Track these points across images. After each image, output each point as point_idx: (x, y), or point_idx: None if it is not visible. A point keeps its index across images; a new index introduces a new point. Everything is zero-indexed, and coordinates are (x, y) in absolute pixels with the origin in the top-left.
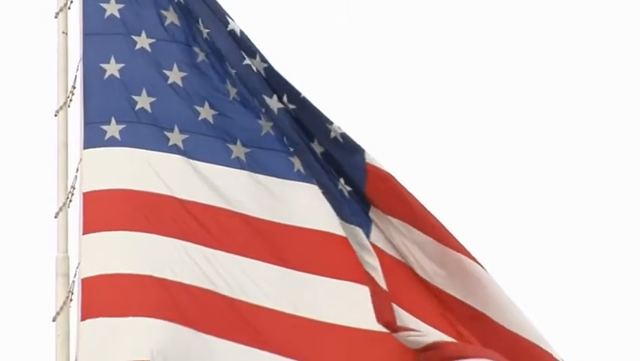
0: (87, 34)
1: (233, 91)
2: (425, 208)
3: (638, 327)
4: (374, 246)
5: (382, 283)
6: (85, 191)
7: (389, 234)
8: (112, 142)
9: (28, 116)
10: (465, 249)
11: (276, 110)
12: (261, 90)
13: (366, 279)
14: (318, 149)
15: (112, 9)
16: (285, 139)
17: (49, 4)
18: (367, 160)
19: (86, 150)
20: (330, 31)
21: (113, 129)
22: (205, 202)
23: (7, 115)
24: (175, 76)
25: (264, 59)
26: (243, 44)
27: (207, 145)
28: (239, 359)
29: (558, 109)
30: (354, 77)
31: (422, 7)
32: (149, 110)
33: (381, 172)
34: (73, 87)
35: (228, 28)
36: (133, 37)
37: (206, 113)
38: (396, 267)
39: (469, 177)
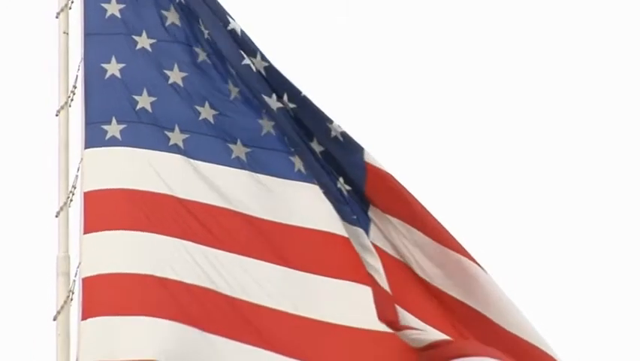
0: (88, 34)
1: (235, 90)
2: (425, 208)
3: (637, 327)
4: (373, 245)
5: (385, 285)
6: (86, 191)
7: (388, 233)
8: (113, 142)
9: (29, 116)
10: (464, 250)
11: (275, 109)
12: (261, 90)
13: (368, 279)
14: (317, 148)
15: (113, 9)
16: (285, 139)
17: (50, 4)
18: (367, 159)
19: (87, 150)
20: (330, 31)
21: (113, 129)
22: (206, 202)
23: (8, 115)
24: (176, 76)
25: (264, 58)
26: (244, 44)
27: (208, 145)
28: (242, 357)
29: (558, 109)
30: (354, 76)
31: (422, 7)
32: (149, 110)
33: (380, 171)
34: (74, 87)
35: (229, 28)
36: (134, 37)
37: (206, 113)
38: (395, 266)
39: (468, 177)
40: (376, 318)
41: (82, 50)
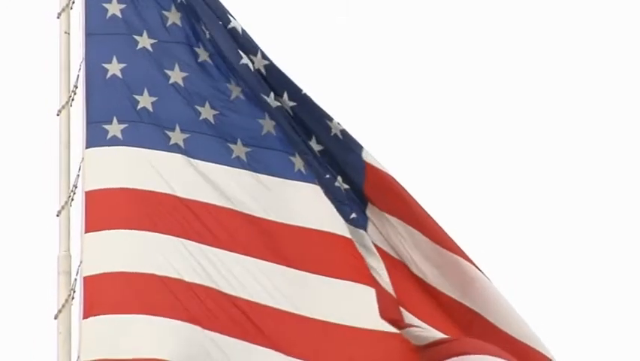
0: (89, 34)
1: (236, 90)
2: (423, 209)
3: (634, 328)
4: (374, 245)
5: (389, 287)
6: (87, 190)
7: (385, 232)
8: (114, 141)
9: (30, 116)
10: (462, 251)
11: (273, 108)
12: (259, 89)
13: (370, 280)
14: (316, 147)
15: (114, 9)
16: (286, 139)
17: (51, 4)
18: (365, 158)
19: (88, 149)
20: (330, 31)
21: (114, 129)
22: (206, 201)
23: (9, 114)
24: (176, 76)
25: (265, 57)
26: (245, 42)
27: (208, 144)
28: (244, 356)
29: (558, 109)
30: (354, 76)
31: (422, 7)
32: (150, 109)
33: (379, 171)
34: (75, 87)
35: (229, 26)
36: (135, 37)
37: (207, 112)
38: (393, 266)
39: (467, 177)
40: (378, 318)
41: (83, 49)
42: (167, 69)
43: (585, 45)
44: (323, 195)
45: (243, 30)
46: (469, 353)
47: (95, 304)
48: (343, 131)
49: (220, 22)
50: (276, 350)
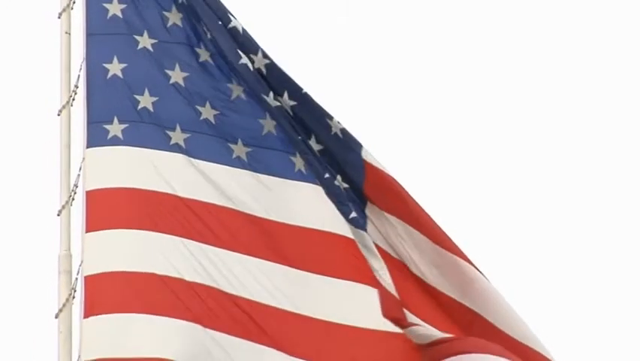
0: (90, 35)
1: (237, 90)
2: (422, 208)
3: (634, 328)
4: (375, 245)
5: (391, 287)
6: (88, 189)
7: (385, 232)
8: (114, 141)
9: (31, 116)
10: (461, 251)
11: (273, 108)
12: (259, 89)
13: (371, 279)
14: (315, 147)
15: (114, 9)
16: (286, 139)
17: (52, 4)
18: (365, 157)
19: (89, 149)
20: (330, 31)
21: (115, 129)
22: (207, 201)
23: (10, 114)
24: (177, 76)
25: (266, 56)
26: (245, 41)
27: (208, 144)
28: (246, 354)
29: (558, 109)
30: (354, 77)
31: (422, 7)
32: (151, 109)
33: (378, 169)
34: (76, 86)
35: (230, 26)
36: (135, 37)
37: (207, 112)
38: (394, 265)
39: (467, 177)
40: (380, 318)
41: (84, 50)
42: (167, 69)
43: (585, 45)
44: (324, 195)
45: (243, 29)
46: (472, 352)
47: (95, 304)
48: (343, 130)
49: (221, 22)
50: (279, 349)
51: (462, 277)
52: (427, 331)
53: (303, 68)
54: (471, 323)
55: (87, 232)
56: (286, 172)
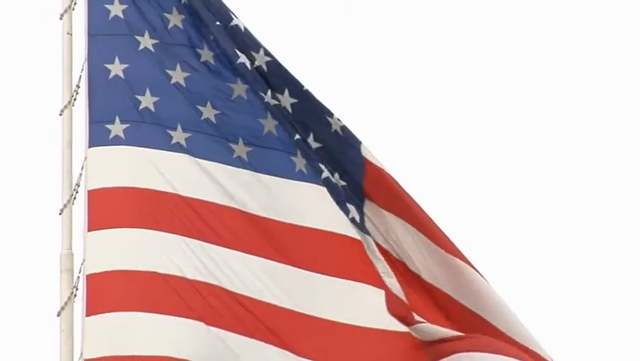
0: (92, 35)
1: (238, 90)
2: (420, 206)
3: (634, 328)
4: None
5: (395, 286)
6: (90, 189)
7: (384, 230)
8: (116, 141)
9: (33, 115)
10: (459, 251)
11: (272, 107)
12: (258, 88)
13: (374, 277)
14: (314, 145)
15: (116, 10)
16: (287, 139)
17: (53, 5)
18: (364, 154)
19: (91, 149)
20: (330, 31)
21: (117, 128)
22: (208, 200)
23: (12, 114)
24: (178, 76)
25: (268, 53)
26: (247, 39)
27: (210, 144)
28: (248, 352)
29: (558, 109)
30: (354, 76)
31: (422, 7)
32: (152, 109)
33: (377, 167)
34: (78, 86)
35: (232, 24)
36: (136, 37)
37: (208, 112)
38: (393, 263)
39: (466, 176)
40: (384, 317)
41: (85, 50)
42: (168, 69)
43: (585, 45)
44: (325, 195)
45: (245, 28)
46: (471, 350)
47: (97, 302)
48: (343, 128)
49: (219, 23)
50: (285, 348)
51: (460, 277)
52: (434, 328)
53: (303, 68)
54: (470, 322)
55: (89, 230)
56: (287, 172)
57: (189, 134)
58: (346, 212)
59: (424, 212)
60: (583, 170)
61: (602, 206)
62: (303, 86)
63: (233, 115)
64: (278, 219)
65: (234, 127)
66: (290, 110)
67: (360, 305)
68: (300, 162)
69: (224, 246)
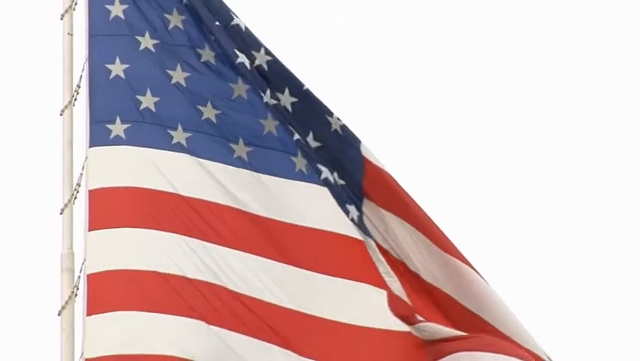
0: (92, 36)
1: (239, 90)
2: (419, 206)
3: (633, 328)
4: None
5: (396, 285)
6: (90, 188)
7: (384, 229)
8: (117, 141)
9: (34, 115)
10: (458, 251)
11: (271, 106)
12: (256, 87)
13: (377, 279)
14: (313, 144)
15: (116, 10)
16: (287, 139)
17: (54, 6)
18: (364, 153)
19: (92, 149)
20: (330, 31)
21: (118, 128)
22: (209, 199)
23: (13, 114)
24: (179, 76)
25: (268, 52)
26: (247, 38)
27: (210, 144)
28: (255, 352)
29: (558, 109)
30: (354, 76)
31: (422, 7)
32: (153, 109)
33: (376, 166)
34: (78, 86)
35: (232, 23)
36: (137, 37)
37: (209, 112)
38: (392, 263)
39: (465, 176)
40: (386, 317)
41: (86, 50)
42: (169, 69)
43: (585, 45)
44: (327, 195)
45: (246, 27)
46: (477, 350)
47: (98, 302)
48: (343, 127)
49: (218, 23)
50: (287, 348)
51: (459, 277)
52: (438, 328)
53: (303, 68)
54: (466, 321)
55: (90, 230)
56: (287, 172)
57: (190, 134)
58: (347, 212)
59: (424, 212)
60: (583, 170)
61: (602, 206)
62: (303, 85)
63: (234, 115)
64: (279, 219)
65: (235, 127)
66: (290, 109)
67: (362, 305)
68: (300, 162)
69: (225, 245)
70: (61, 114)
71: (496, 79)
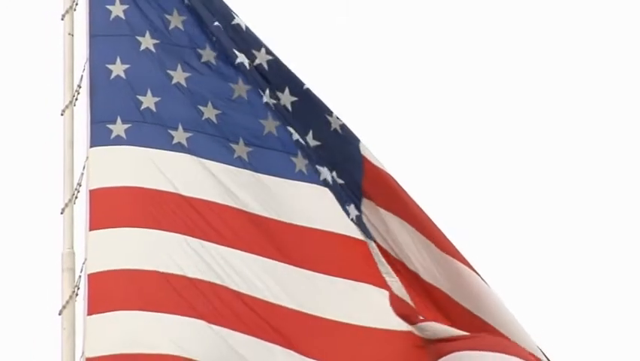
0: (93, 36)
1: (239, 90)
2: (419, 206)
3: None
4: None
5: (397, 284)
6: (91, 188)
7: (382, 229)
8: (118, 141)
9: (35, 115)
10: (457, 251)
11: (271, 105)
12: (257, 87)
13: (379, 279)
14: (312, 143)
15: (117, 10)
16: (287, 139)
17: (55, 6)
18: (363, 152)
19: (93, 148)
20: (330, 31)
21: (118, 128)
22: (209, 199)
23: (14, 114)
24: (179, 76)
25: (269, 52)
26: (248, 38)
27: (210, 144)
28: (257, 352)
29: (558, 109)
30: (354, 76)
31: (422, 7)
32: (153, 109)
33: (375, 165)
34: (79, 86)
35: (233, 23)
36: (138, 38)
37: (209, 112)
38: (391, 262)
39: (465, 175)
40: (385, 317)
41: (87, 51)
42: (169, 69)
43: (585, 45)
44: (325, 195)
45: (246, 26)
46: (478, 350)
47: (99, 301)
48: (343, 126)
49: (217, 23)
50: (289, 348)
51: (458, 278)
52: (440, 327)
53: (303, 68)
54: (468, 320)
55: (91, 230)
56: (287, 172)
57: (190, 134)
58: (347, 213)
59: (423, 211)
60: (583, 170)
61: (602, 206)
62: (303, 85)
63: (234, 115)
64: (279, 219)
65: (235, 127)
66: (290, 108)
67: (363, 305)
68: (300, 163)
69: (225, 245)
70: (62, 114)
71: (496, 79)
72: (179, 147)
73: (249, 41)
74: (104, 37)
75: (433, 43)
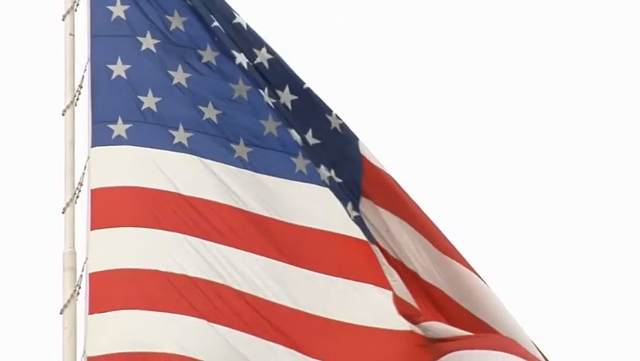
0: (94, 36)
1: (242, 90)
2: (417, 205)
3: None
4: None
5: (399, 287)
6: (92, 188)
7: (381, 229)
8: (119, 141)
9: (36, 115)
10: (456, 251)
11: (270, 104)
12: (257, 87)
13: (381, 279)
14: (312, 141)
15: (118, 11)
16: (287, 139)
17: (56, 6)
18: (362, 152)
19: (94, 148)
20: (330, 31)
21: (119, 128)
22: (210, 199)
23: (15, 114)
24: (180, 76)
25: (270, 50)
26: (249, 37)
27: (211, 144)
28: (258, 351)
29: (558, 109)
30: (354, 76)
31: (422, 7)
32: (154, 110)
33: (374, 165)
34: (80, 86)
35: (234, 22)
36: (138, 38)
37: (210, 112)
38: (390, 262)
39: (465, 175)
40: (387, 317)
41: (88, 51)
42: (170, 70)
43: (585, 45)
44: (325, 195)
45: (247, 25)
46: (478, 349)
47: (100, 301)
48: (342, 125)
49: (217, 23)
50: (291, 347)
51: (457, 279)
52: (443, 327)
53: (302, 68)
54: (463, 320)
55: (92, 229)
56: (287, 173)
57: (191, 134)
58: (348, 213)
59: (422, 211)
60: (583, 170)
61: (602, 206)
62: (304, 84)
63: (235, 115)
64: (279, 218)
65: (235, 127)
66: (290, 106)
67: (365, 305)
68: (300, 163)
69: (226, 244)
70: (63, 114)
71: (496, 79)
72: (179, 147)
73: (250, 40)
74: (105, 38)
75: (433, 43)
